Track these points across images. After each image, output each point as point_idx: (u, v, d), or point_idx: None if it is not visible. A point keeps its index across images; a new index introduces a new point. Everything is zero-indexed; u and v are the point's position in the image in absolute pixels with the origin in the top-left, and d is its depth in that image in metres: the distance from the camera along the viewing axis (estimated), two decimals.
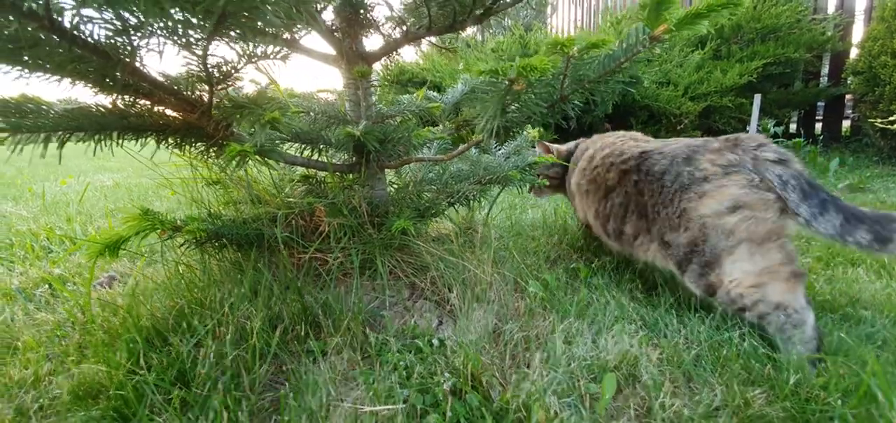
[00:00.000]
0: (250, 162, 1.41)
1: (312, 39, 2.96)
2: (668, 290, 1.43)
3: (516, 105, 0.95)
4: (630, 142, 1.45)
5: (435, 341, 1.07)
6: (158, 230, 1.18)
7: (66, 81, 0.91)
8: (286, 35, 1.12)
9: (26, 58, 0.85)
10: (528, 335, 1.08)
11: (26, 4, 0.72)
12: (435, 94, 1.76)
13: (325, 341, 1.07)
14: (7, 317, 1.32)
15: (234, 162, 0.91)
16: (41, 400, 0.91)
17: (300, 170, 1.46)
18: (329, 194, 1.38)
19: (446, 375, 0.88)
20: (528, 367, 0.98)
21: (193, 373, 0.91)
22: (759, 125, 4.01)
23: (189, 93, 0.95)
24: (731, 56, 4.77)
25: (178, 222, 1.15)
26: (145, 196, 3.36)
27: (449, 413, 0.83)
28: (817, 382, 0.93)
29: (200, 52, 0.85)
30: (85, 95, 0.98)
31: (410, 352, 1.01)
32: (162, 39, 0.81)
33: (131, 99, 0.99)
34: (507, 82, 0.79)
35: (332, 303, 1.12)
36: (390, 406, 0.81)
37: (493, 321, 1.10)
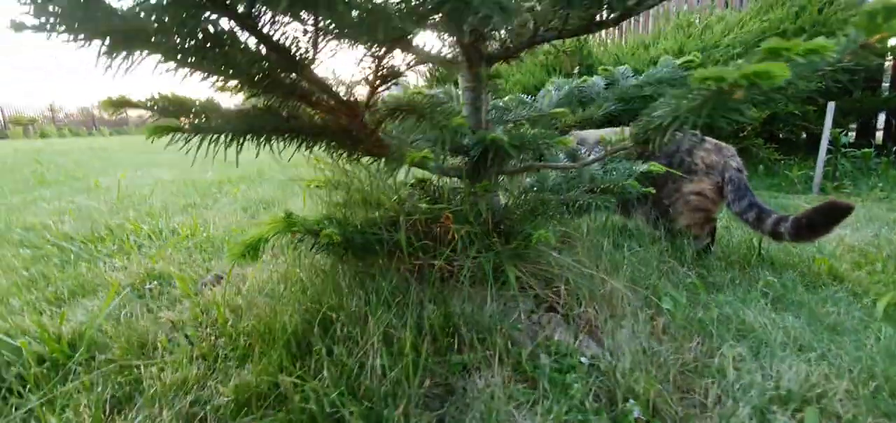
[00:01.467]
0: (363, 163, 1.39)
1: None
2: (805, 309, 1.35)
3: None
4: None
5: (583, 360, 1.02)
6: (291, 232, 1.16)
7: (207, 79, 0.90)
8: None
9: (194, 58, 0.83)
10: (683, 358, 1.02)
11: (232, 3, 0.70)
12: (527, 97, 1.72)
13: (468, 355, 1.03)
14: (126, 313, 1.33)
15: (394, 168, 0.88)
16: (206, 407, 0.90)
17: (413, 173, 1.43)
18: (445, 200, 1.34)
19: (631, 402, 0.83)
20: (695, 394, 0.92)
21: (357, 384, 0.88)
22: (830, 134, 3.84)
23: (348, 96, 0.93)
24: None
25: (315, 226, 1.13)
26: (209, 191, 3.40)
27: None
28: None
29: (379, 55, 0.82)
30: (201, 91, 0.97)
31: (567, 371, 0.97)
32: (348, 42, 0.79)
33: (283, 101, 0.98)
34: (720, 90, 0.74)
35: (473, 314, 1.08)
36: None
37: (644, 342, 1.05)
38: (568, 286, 1.23)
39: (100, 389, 0.94)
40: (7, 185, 3.92)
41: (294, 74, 0.84)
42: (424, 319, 1.06)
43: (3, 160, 5.98)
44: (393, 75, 0.89)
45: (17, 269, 1.72)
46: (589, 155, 1.70)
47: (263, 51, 0.79)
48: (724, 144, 1.88)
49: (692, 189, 1.83)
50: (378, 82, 0.89)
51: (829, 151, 3.93)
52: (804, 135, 5.02)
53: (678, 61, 1.63)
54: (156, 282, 1.57)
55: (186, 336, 1.20)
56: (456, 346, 1.04)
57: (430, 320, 1.06)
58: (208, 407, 0.89)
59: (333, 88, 0.92)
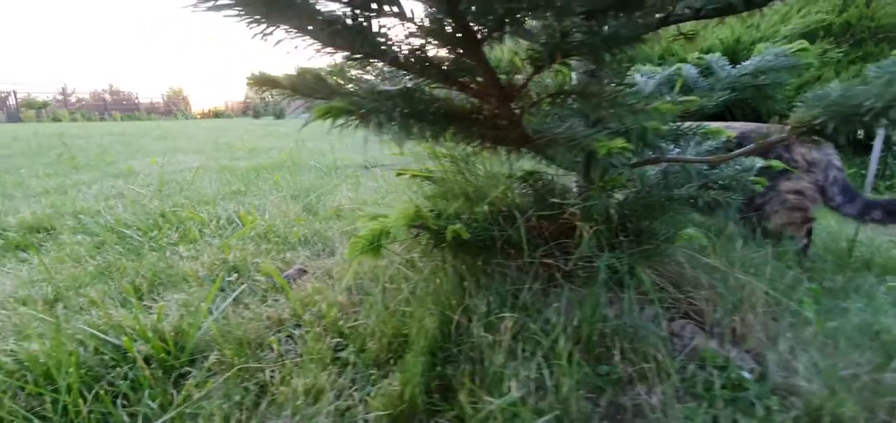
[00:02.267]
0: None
1: None
2: None
3: None
4: None
5: (746, 374, 0.93)
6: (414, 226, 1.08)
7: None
8: None
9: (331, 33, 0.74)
10: (855, 374, 0.93)
11: None
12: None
13: (620, 367, 0.94)
14: (216, 308, 1.24)
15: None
16: (351, 420, 0.82)
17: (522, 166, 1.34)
18: (558, 195, 1.25)
19: None
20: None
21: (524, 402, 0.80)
22: (885, 133, 3.71)
23: (507, 78, 0.84)
24: (844, 57, 4.43)
25: (440, 221, 1.04)
26: (248, 178, 3.32)
27: None
28: None
29: (565, 29, 0.73)
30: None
31: (736, 388, 0.88)
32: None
33: (428, 83, 0.88)
34: None
35: (618, 322, 0.99)
36: None
37: (816, 356, 0.96)
38: (704, 291, 1.13)
39: (237, 397, 0.86)
40: (40, 168, 3.85)
41: (448, 54, 0.74)
42: (566, 325, 0.98)
43: (28, 143, 5.92)
44: (565, 53, 0.79)
45: (83, 257, 1.65)
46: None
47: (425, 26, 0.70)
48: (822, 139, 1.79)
49: (790, 187, 1.73)
50: (553, 60, 0.79)
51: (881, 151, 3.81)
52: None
53: (792, 48, 1.52)
54: (235, 274, 1.49)
55: (294, 336, 1.12)
56: (603, 356, 0.96)
57: (583, 327, 0.97)
58: (358, 421, 0.80)
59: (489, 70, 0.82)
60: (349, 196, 2.66)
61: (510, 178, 1.32)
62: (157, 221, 2.09)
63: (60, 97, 18.28)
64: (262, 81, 0.77)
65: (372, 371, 0.92)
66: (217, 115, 31.30)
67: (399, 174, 1.45)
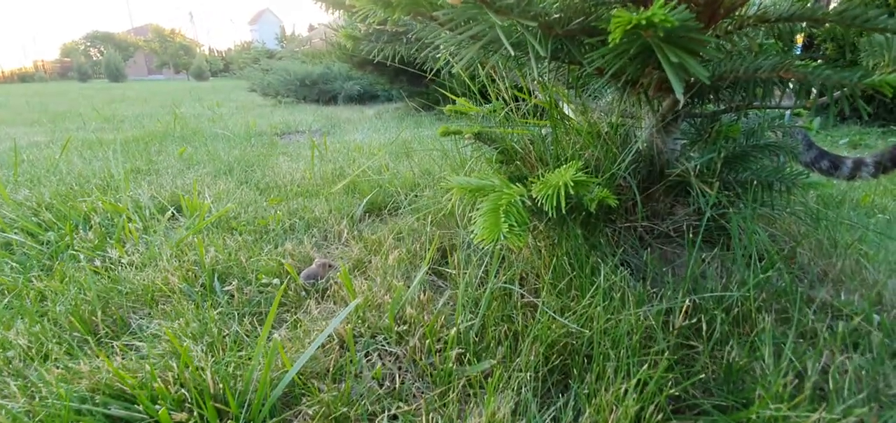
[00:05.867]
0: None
1: None
2: None
3: None
4: None
5: (877, 317, 0.92)
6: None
7: None
8: None
9: None
10: None
11: None
12: None
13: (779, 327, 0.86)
14: (232, 333, 0.88)
15: None
16: None
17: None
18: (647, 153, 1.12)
19: None
20: None
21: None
22: None
23: None
24: None
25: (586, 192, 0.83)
26: (137, 154, 2.59)
27: None
28: None
29: None
30: None
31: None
32: None
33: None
34: None
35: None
36: None
37: None
38: (806, 239, 1.12)
39: None
40: None
41: None
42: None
43: None
44: None
45: None
46: None
47: None
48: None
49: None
50: None
51: None
52: None
53: None
54: (232, 280, 1.09)
55: (386, 353, 0.83)
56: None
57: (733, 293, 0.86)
58: None
59: None
60: (296, 168, 2.23)
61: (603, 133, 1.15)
62: (45, 217, 1.48)
63: None
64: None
65: (547, 388, 0.70)
66: (24, 78, 25.13)
67: (445, 133, 1.17)
